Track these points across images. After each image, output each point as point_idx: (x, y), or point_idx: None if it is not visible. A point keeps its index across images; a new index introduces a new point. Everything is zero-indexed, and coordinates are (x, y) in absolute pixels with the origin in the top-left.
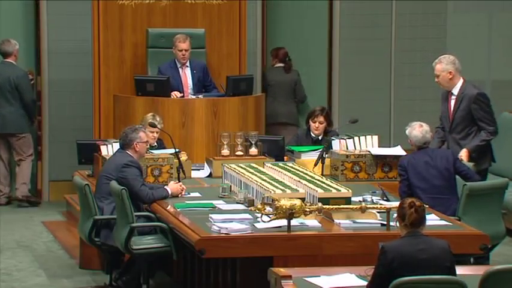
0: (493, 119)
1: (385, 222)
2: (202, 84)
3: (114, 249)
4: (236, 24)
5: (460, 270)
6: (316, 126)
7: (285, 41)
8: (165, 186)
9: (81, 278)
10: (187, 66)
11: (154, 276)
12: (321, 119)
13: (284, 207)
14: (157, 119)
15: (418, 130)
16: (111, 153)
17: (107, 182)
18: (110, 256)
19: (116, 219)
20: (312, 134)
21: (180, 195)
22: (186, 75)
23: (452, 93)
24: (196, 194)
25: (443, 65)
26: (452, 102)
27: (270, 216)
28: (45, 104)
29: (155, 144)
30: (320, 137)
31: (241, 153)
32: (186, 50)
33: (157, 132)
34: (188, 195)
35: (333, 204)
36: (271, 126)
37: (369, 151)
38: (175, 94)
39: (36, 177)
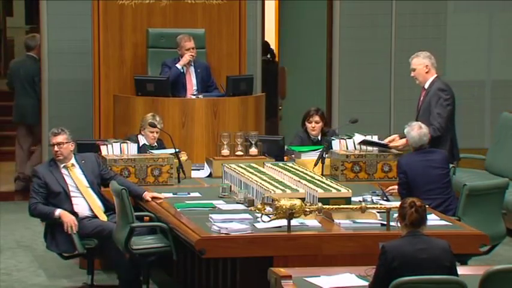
0: (442, 117)
1: (385, 222)
2: (206, 84)
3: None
4: (236, 24)
5: (460, 270)
6: (313, 127)
7: (284, 41)
8: (58, 210)
9: (81, 278)
10: (191, 66)
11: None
12: (317, 118)
13: (284, 207)
14: (157, 119)
15: (416, 132)
16: (111, 153)
17: None
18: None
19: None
20: (310, 135)
21: (68, 229)
22: (191, 75)
23: (424, 88)
24: (196, 194)
25: (420, 58)
26: (422, 96)
27: (270, 216)
28: (45, 104)
29: (155, 144)
30: (319, 137)
31: (241, 153)
32: (193, 48)
33: (157, 132)
34: (188, 195)
35: (333, 204)
36: None
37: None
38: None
39: None
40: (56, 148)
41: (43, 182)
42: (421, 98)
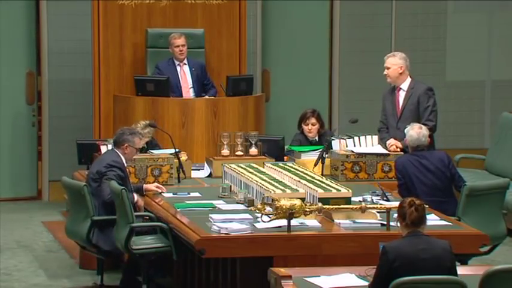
0: (435, 116)
1: (385, 222)
2: (201, 83)
3: (109, 253)
4: (236, 24)
5: (460, 270)
6: (309, 129)
7: (285, 41)
8: (136, 195)
9: (81, 278)
10: (185, 64)
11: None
12: (313, 120)
13: (284, 207)
14: (146, 130)
15: (415, 131)
16: None
17: (93, 184)
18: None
19: (109, 221)
20: (307, 137)
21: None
22: (185, 73)
23: (401, 88)
24: (196, 194)
25: (397, 59)
26: (401, 97)
27: (270, 216)
28: (45, 104)
29: (144, 146)
30: (317, 139)
31: (241, 153)
32: (183, 46)
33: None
34: (188, 195)
35: (333, 204)
36: None
37: (352, 151)
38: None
39: (37, 177)
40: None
41: (124, 176)
42: (401, 99)
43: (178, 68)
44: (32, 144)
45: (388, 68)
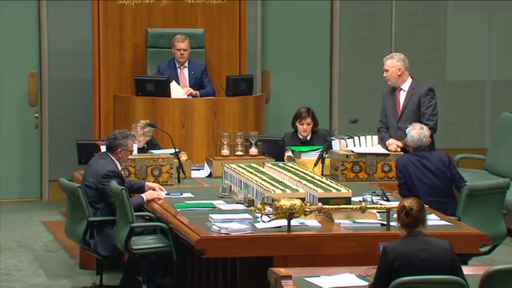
0: (435, 116)
1: (385, 222)
2: (200, 85)
3: (107, 257)
4: (236, 24)
5: None
6: (304, 128)
7: (285, 41)
8: (142, 194)
9: (81, 278)
10: (185, 67)
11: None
12: (309, 120)
13: (284, 207)
14: (146, 129)
15: (416, 131)
16: None
17: (90, 191)
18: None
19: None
20: (299, 135)
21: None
22: (184, 76)
23: (401, 89)
24: (189, 195)
25: (395, 61)
26: (402, 97)
27: (270, 216)
28: (45, 104)
29: (144, 145)
30: (308, 138)
31: (241, 153)
32: (184, 50)
33: (139, 141)
34: (188, 195)
35: (333, 204)
36: None
37: (352, 151)
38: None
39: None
40: None
41: (122, 183)
42: (402, 99)
43: (178, 70)
44: (36, 147)
45: (386, 71)
